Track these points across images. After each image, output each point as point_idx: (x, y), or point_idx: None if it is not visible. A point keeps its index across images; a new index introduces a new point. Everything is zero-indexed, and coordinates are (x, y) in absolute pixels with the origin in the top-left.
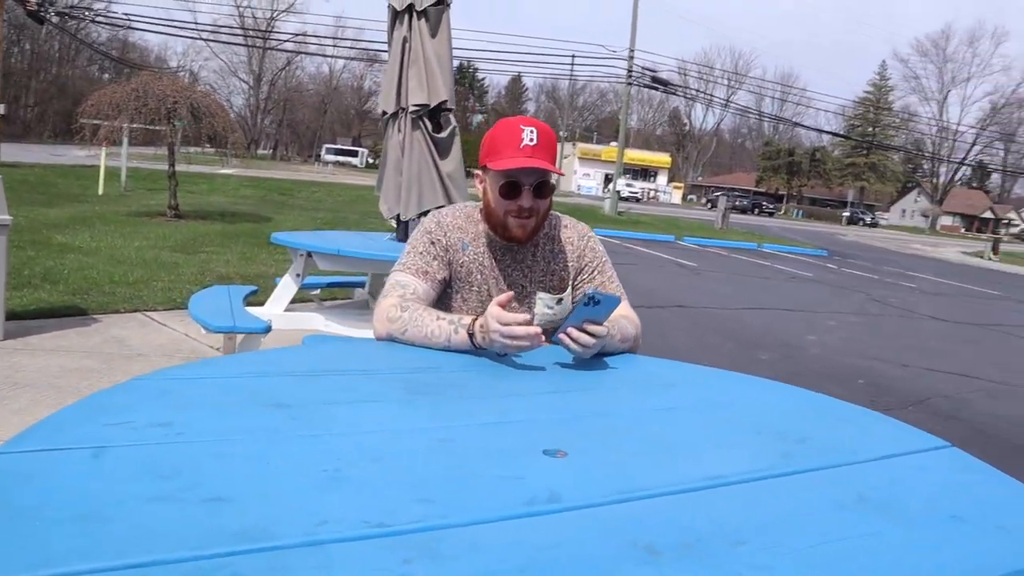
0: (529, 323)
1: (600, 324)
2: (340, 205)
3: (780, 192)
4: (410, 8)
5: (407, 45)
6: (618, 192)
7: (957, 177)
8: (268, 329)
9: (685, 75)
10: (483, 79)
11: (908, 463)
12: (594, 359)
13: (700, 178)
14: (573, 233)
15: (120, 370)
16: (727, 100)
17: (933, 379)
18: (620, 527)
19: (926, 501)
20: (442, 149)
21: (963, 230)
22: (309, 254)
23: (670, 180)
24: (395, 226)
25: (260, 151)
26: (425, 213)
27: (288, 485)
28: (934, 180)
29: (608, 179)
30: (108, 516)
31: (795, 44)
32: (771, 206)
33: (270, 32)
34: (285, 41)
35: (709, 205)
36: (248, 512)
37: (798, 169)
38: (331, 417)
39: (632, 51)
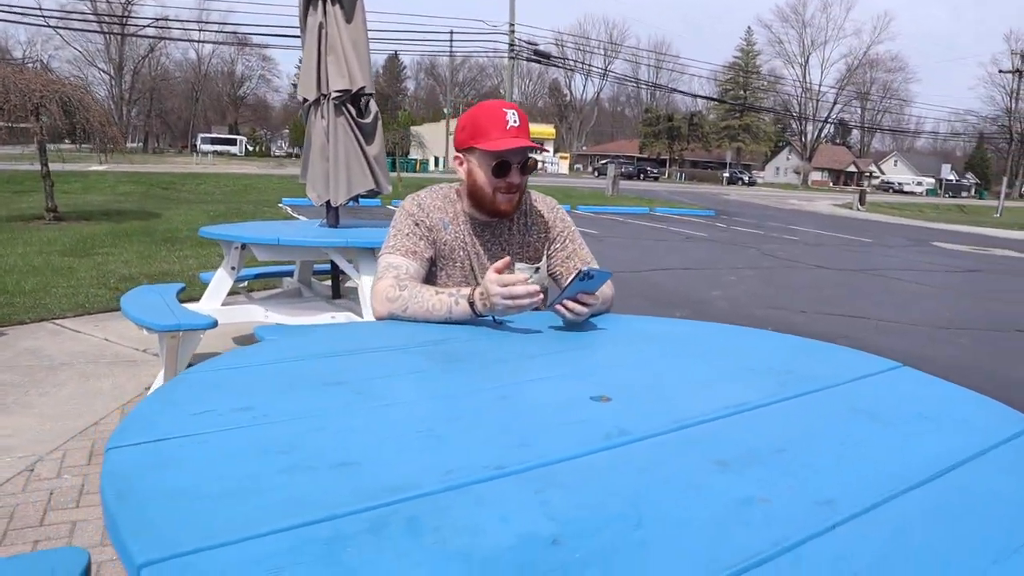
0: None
1: (592, 295)
2: (229, 196)
3: (662, 157)
4: None
5: (323, 31)
6: None
7: (823, 135)
8: (215, 324)
9: (562, 47)
10: None
11: (876, 381)
12: (586, 321)
13: (584, 147)
14: (543, 206)
15: (48, 382)
16: (605, 69)
17: (830, 322)
18: (687, 449)
19: (899, 407)
20: (367, 134)
21: (831, 184)
22: (243, 246)
23: (556, 151)
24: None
25: (130, 144)
26: (356, 198)
27: (397, 446)
28: (803, 138)
29: None
30: (255, 489)
31: (666, 13)
32: (655, 171)
33: (127, 17)
34: (145, 27)
35: (596, 173)
36: (380, 471)
37: (678, 134)
38: (391, 389)
39: (512, 25)
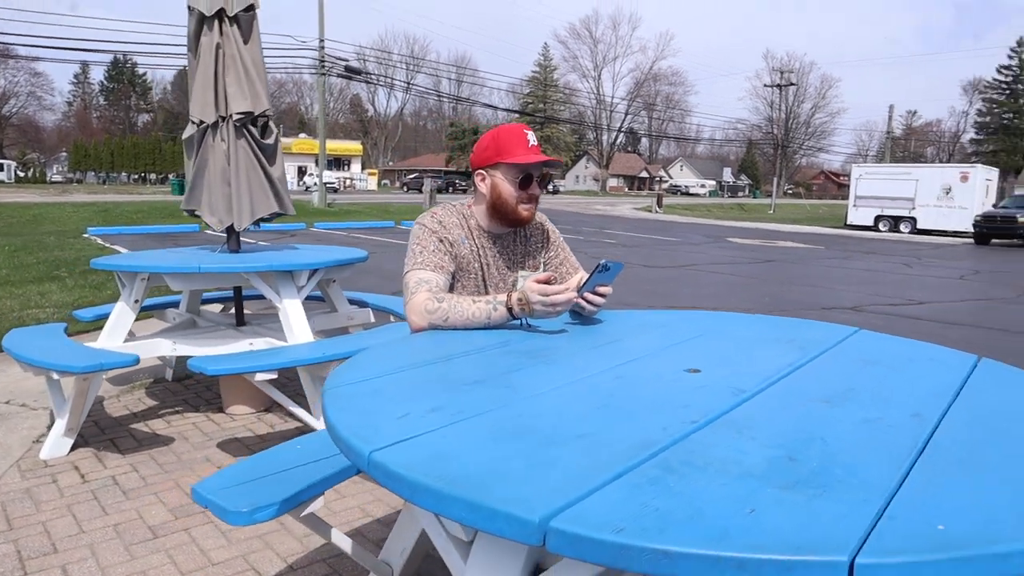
0: (567, 288)
1: (608, 286)
2: (18, 227)
3: (470, 169)
4: (220, 13)
5: (220, 51)
6: (327, 184)
7: (616, 143)
8: (137, 361)
9: (364, 61)
10: (144, 74)
11: (854, 341)
12: (591, 318)
13: (391, 163)
14: (536, 219)
15: None
16: (408, 84)
17: None
18: (790, 395)
19: (889, 356)
20: (269, 155)
21: (626, 189)
22: (146, 277)
23: (363, 167)
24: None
25: None
26: (258, 222)
27: (598, 418)
28: (599, 147)
29: (302, 172)
30: (544, 462)
31: (466, 28)
32: (464, 183)
33: None
34: None
35: (405, 188)
36: (612, 437)
37: None
38: (525, 381)
39: (322, 41)
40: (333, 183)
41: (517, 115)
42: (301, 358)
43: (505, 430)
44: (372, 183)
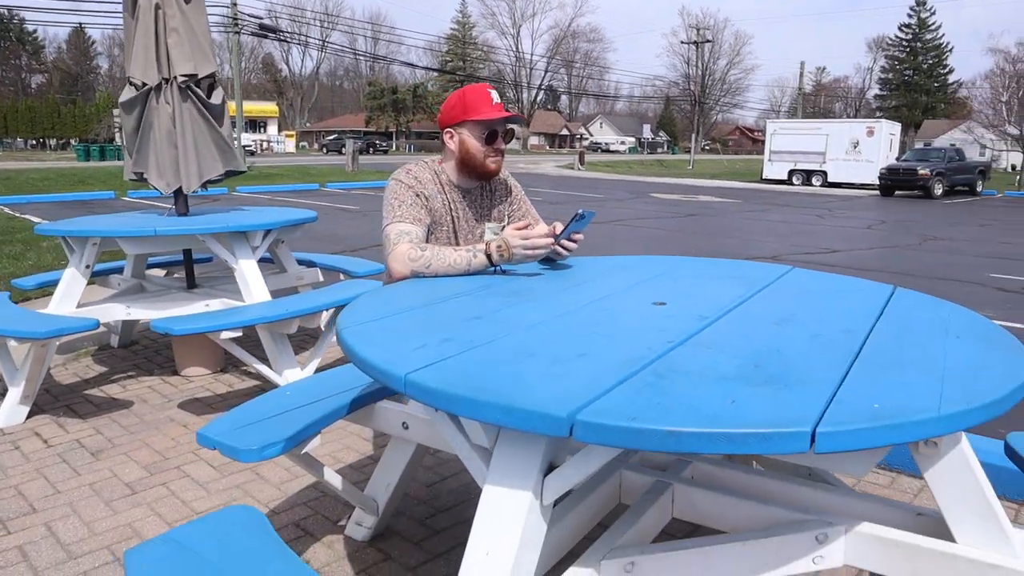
0: (545, 235)
1: (581, 234)
2: None
3: (390, 130)
4: None
5: (160, 12)
6: (244, 147)
7: (537, 101)
8: (97, 325)
9: (277, 19)
10: (34, 31)
11: (790, 277)
12: (559, 263)
13: (308, 124)
14: (502, 173)
15: None
16: (324, 42)
17: None
18: (745, 320)
19: (821, 288)
20: (216, 116)
21: (548, 147)
22: (97, 241)
23: (280, 129)
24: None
25: None
26: (206, 184)
27: (593, 340)
28: (519, 105)
29: None
30: (555, 375)
31: None
32: (384, 144)
33: None
34: None
35: (324, 150)
36: (606, 354)
37: (403, 106)
38: (517, 316)
39: None
40: (250, 146)
41: (436, 74)
42: (265, 315)
43: (514, 353)
44: (290, 145)
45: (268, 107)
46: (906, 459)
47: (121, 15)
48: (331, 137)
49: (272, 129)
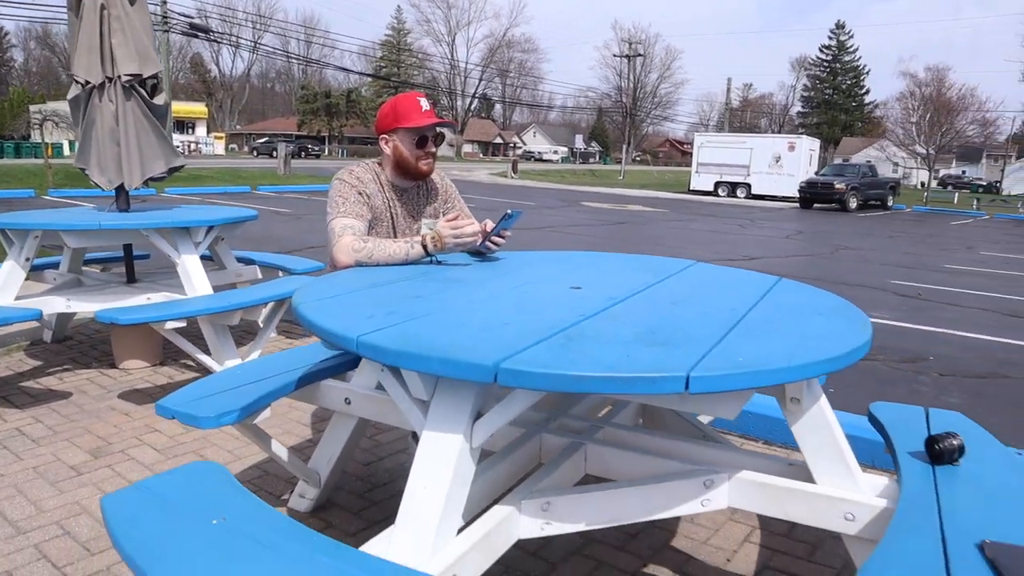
0: (472, 225)
1: (509, 231)
2: None
3: (322, 134)
4: None
5: (105, 12)
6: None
7: (471, 109)
8: (40, 315)
9: (207, 18)
10: None
11: (692, 270)
12: (490, 256)
13: (238, 126)
14: (435, 176)
15: None
16: (256, 43)
17: None
18: (648, 300)
19: (717, 278)
20: (159, 116)
21: (481, 155)
22: (38, 234)
23: (209, 131)
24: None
25: None
26: (147, 182)
27: (517, 315)
28: (453, 113)
29: None
30: (491, 334)
31: None
32: (316, 148)
33: None
34: None
35: (255, 153)
36: (527, 324)
37: (336, 110)
38: (452, 298)
39: None
40: (179, 147)
41: (370, 79)
42: (210, 307)
43: (451, 322)
44: (219, 147)
45: (197, 108)
46: (784, 433)
47: (54, 10)
48: (262, 140)
49: (201, 130)
